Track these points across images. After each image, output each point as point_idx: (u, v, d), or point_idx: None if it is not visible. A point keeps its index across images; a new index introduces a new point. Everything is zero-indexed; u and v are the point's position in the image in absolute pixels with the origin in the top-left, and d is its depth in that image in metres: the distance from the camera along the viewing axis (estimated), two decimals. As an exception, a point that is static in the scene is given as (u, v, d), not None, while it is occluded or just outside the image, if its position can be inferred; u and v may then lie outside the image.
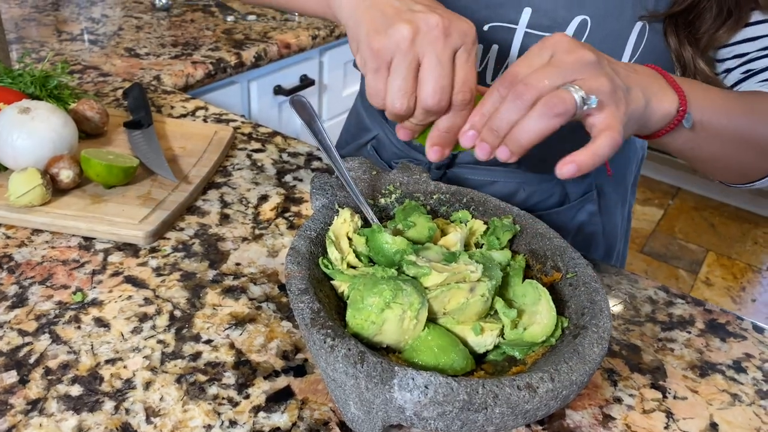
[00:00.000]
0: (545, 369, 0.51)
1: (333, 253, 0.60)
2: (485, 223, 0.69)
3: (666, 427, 0.63)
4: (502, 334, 0.58)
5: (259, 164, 1.00)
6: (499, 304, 0.58)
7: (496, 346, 0.59)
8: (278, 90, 1.60)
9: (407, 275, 0.57)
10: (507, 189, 0.94)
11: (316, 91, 1.75)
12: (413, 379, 0.48)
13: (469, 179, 0.94)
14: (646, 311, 0.79)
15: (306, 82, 1.66)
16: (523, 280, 0.62)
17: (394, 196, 0.70)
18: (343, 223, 0.62)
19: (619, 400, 0.66)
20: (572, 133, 0.91)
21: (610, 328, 0.57)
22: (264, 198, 0.92)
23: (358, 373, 0.49)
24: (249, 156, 1.02)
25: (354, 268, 0.61)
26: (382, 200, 0.69)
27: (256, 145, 1.06)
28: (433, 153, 0.57)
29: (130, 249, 0.79)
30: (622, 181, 1.02)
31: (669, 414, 0.64)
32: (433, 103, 0.53)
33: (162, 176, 0.89)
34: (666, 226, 3.34)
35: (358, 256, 0.61)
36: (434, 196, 0.71)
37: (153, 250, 0.79)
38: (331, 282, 0.60)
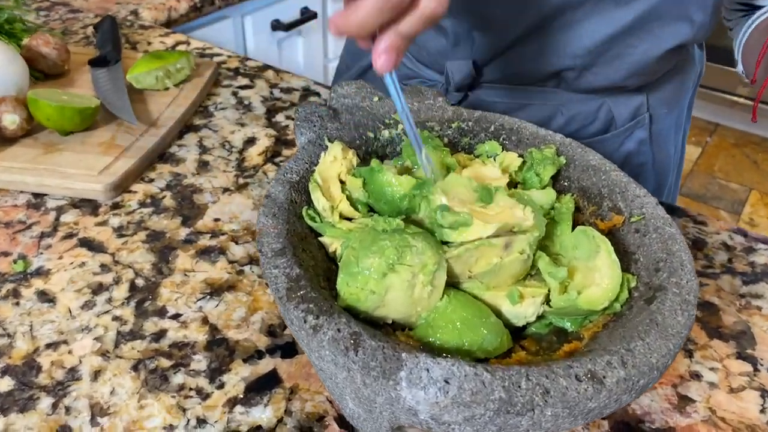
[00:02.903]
0: (612, 349, 0.37)
1: (320, 201, 0.45)
2: (520, 156, 0.53)
3: (762, 411, 0.49)
4: (547, 300, 0.43)
5: (246, 102, 0.85)
6: (543, 261, 0.44)
7: (540, 317, 0.44)
8: (276, 25, 1.42)
9: (434, 226, 0.42)
10: (542, 114, 0.78)
11: (320, 25, 1.57)
12: (428, 370, 0.34)
13: (496, 103, 0.78)
14: (721, 260, 0.64)
15: (307, 15, 1.48)
16: (574, 227, 0.47)
17: (401, 126, 0.54)
18: (333, 161, 0.47)
19: (697, 376, 0.51)
20: (627, 37, 0.77)
21: (697, 287, 0.42)
22: (250, 141, 0.77)
23: (350, 363, 0.35)
24: (234, 93, 0.87)
25: (350, 220, 0.47)
26: (386, 132, 0.54)
27: (244, 81, 0.90)
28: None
29: (87, 206, 0.66)
30: (677, 103, 0.85)
31: (765, 393, 0.50)
32: None
33: (125, 120, 0.74)
34: (704, 165, 3.13)
35: (353, 204, 0.47)
36: (453, 125, 0.56)
37: (115, 206, 0.66)
38: (320, 239, 0.46)
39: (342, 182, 0.47)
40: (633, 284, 0.44)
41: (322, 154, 0.48)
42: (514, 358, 0.41)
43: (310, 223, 0.45)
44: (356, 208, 0.47)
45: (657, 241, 0.45)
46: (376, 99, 0.57)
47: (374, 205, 0.47)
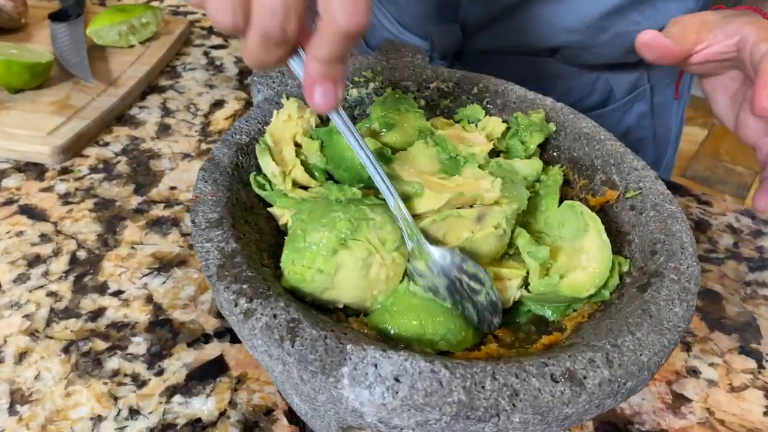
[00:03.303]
0: (597, 344, 0.31)
1: (269, 165, 0.39)
2: (504, 121, 0.47)
3: (766, 413, 0.43)
4: (526, 284, 0.38)
5: (218, 63, 0.79)
6: (523, 239, 0.38)
7: (518, 303, 0.39)
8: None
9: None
10: (534, 86, 0.72)
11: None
12: (376, 365, 0.29)
13: (484, 73, 0.72)
14: (726, 244, 0.58)
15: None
16: (561, 202, 0.41)
17: (371, 85, 0.48)
18: (288, 121, 0.41)
19: (695, 372, 0.46)
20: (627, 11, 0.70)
21: (699, 274, 0.36)
22: (218, 104, 0.71)
23: (284, 355, 0.30)
24: (206, 54, 0.81)
25: (305, 188, 0.41)
26: (354, 91, 0.48)
27: (217, 41, 0.84)
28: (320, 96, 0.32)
29: (33, 170, 0.60)
30: (679, 70, 0.79)
31: (770, 393, 0.45)
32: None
33: (80, 77, 0.68)
34: (710, 148, 3.05)
35: (309, 170, 0.41)
36: (432, 86, 0.49)
37: (64, 171, 0.60)
38: (269, 210, 0.40)
39: (297, 145, 0.41)
40: (625, 268, 0.38)
41: (275, 112, 0.42)
42: (484, 351, 0.35)
43: (257, 191, 0.39)
44: (312, 176, 0.41)
45: (655, 220, 0.39)
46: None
47: (333, 172, 0.41)
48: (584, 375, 0.30)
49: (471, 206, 0.37)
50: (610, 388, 0.30)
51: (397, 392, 0.28)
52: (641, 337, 0.32)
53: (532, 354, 0.33)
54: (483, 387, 0.29)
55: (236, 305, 0.31)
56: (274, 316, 0.31)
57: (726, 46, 0.47)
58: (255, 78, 0.47)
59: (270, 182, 0.40)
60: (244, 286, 0.32)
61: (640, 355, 0.31)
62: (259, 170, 0.41)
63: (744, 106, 0.48)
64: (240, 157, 0.40)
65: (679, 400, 0.44)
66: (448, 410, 0.28)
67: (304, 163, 0.41)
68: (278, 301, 0.31)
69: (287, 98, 0.44)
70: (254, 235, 0.37)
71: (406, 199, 0.36)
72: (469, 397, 0.28)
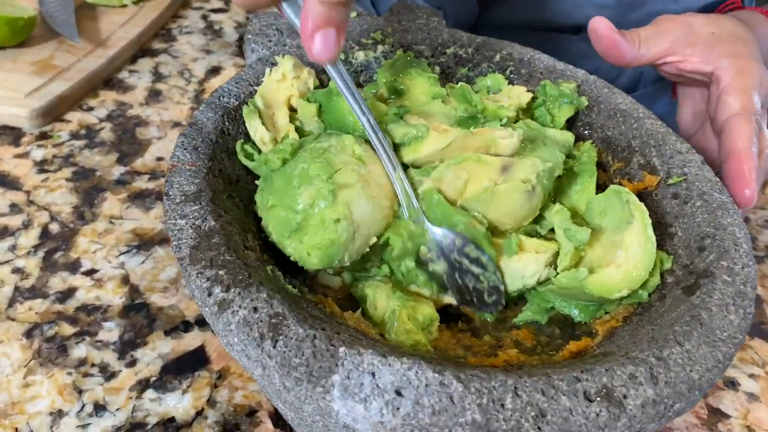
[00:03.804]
0: (638, 356, 0.26)
1: (257, 130, 0.34)
2: (530, 92, 0.41)
3: (815, 434, 0.38)
4: (554, 263, 0.33)
5: (217, 28, 0.73)
6: (562, 215, 0.33)
7: (543, 283, 0.33)
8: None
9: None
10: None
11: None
12: (374, 374, 0.24)
13: None
14: (766, 241, 0.53)
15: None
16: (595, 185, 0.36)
17: (380, 48, 0.43)
18: (282, 81, 0.36)
19: (733, 384, 0.41)
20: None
21: (756, 275, 0.31)
22: (215, 71, 0.66)
23: (265, 357, 0.25)
24: (204, 17, 0.75)
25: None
26: (361, 54, 0.42)
27: (217, 4, 0.78)
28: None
29: (8, 134, 0.55)
30: None
31: (820, 412, 0.40)
32: None
33: (65, 36, 0.63)
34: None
35: (305, 137, 0.36)
36: (448, 51, 0.44)
37: (42, 136, 0.55)
38: (258, 183, 0.35)
39: (292, 110, 0.36)
40: (668, 266, 0.33)
41: (268, 70, 0.37)
42: (501, 358, 0.30)
43: (244, 161, 0.34)
44: (309, 146, 0.36)
45: (702, 211, 0.34)
46: (354, 14, 0.45)
47: (333, 142, 0.36)
48: (624, 393, 0.25)
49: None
50: (655, 411, 0.25)
51: (398, 409, 0.23)
52: (691, 350, 0.27)
53: (559, 363, 0.28)
54: (503, 405, 0.24)
55: (210, 294, 0.26)
56: (254, 309, 0.26)
57: (699, 70, 0.44)
58: (249, 36, 0.42)
59: (259, 151, 0.35)
60: (221, 272, 0.27)
61: (690, 371, 0.26)
62: (248, 138, 0.35)
63: (704, 127, 0.46)
64: (226, 123, 0.35)
65: (716, 416, 0.39)
66: (461, 431, 0.23)
67: (299, 130, 0.35)
68: (260, 291, 0.26)
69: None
70: (238, 212, 0.32)
71: (410, 143, 0.32)
72: (486, 418, 0.23)
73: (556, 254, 0.33)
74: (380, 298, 0.31)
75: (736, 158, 0.37)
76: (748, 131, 0.38)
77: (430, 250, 0.32)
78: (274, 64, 0.39)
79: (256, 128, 0.34)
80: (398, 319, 0.29)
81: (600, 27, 0.42)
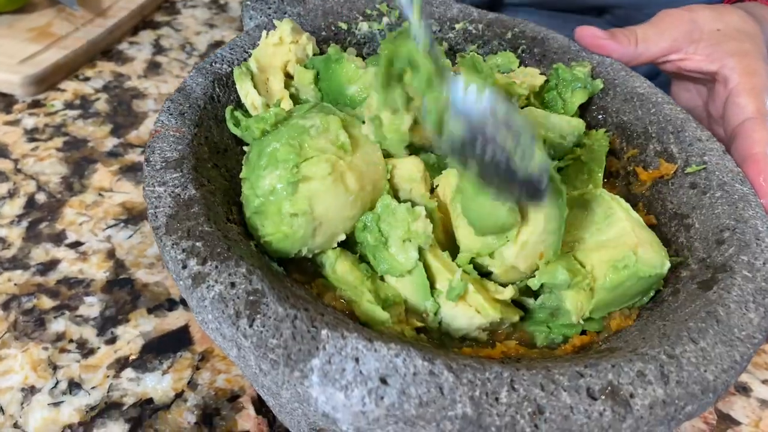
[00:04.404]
0: (647, 352, 0.24)
1: (249, 95, 0.32)
2: (542, 74, 0.39)
3: (831, 446, 0.36)
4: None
5: (222, 2, 0.71)
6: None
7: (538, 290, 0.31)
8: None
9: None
10: None
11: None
12: (357, 359, 0.22)
13: None
14: (784, 242, 0.50)
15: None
16: (606, 173, 0.34)
17: (385, 20, 0.40)
18: (278, 45, 0.34)
19: (744, 390, 0.39)
20: None
21: (778, 272, 0.28)
22: (217, 46, 0.64)
23: (240, 337, 0.23)
24: (210, -9, 0.73)
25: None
26: (364, 25, 0.40)
27: (224, -22, 0.76)
28: None
29: (0, 101, 0.53)
30: None
31: (838, 422, 0.37)
32: None
33: (65, 3, 0.61)
34: None
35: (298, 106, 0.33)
36: (457, 26, 0.42)
37: (35, 104, 0.53)
38: (246, 150, 0.33)
39: (289, 77, 0.34)
40: (681, 259, 0.31)
41: (264, 33, 0.35)
42: (499, 349, 0.28)
43: (233, 129, 0.32)
44: (303, 116, 0.33)
45: (723, 202, 0.32)
46: (359, -14, 0.43)
47: (330, 112, 0.34)
48: (631, 392, 0.23)
49: None
50: (665, 412, 0.23)
51: (383, 398, 0.21)
52: (706, 348, 0.25)
53: (561, 358, 0.26)
54: (497, 399, 0.22)
55: (184, 267, 0.24)
56: (232, 284, 0.24)
57: (703, 69, 0.42)
58: (248, 2, 0.40)
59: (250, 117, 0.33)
60: (198, 244, 0.25)
61: (705, 371, 0.24)
62: (239, 104, 0.33)
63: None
64: (217, 89, 0.33)
65: (726, 422, 0.37)
66: (449, 427, 0.21)
67: (293, 97, 0.33)
68: (239, 265, 0.24)
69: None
70: (224, 183, 0.30)
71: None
72: (478, 412, 0.21)
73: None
74: (342, 263, 0.28)
75: (754, 163, 0.35)
76: (765, 136, 0.36)
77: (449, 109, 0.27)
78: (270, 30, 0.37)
79: (247, 91, 0.32)
80: (361, 285, 0.27)
81: (584, 36, 0.41)
